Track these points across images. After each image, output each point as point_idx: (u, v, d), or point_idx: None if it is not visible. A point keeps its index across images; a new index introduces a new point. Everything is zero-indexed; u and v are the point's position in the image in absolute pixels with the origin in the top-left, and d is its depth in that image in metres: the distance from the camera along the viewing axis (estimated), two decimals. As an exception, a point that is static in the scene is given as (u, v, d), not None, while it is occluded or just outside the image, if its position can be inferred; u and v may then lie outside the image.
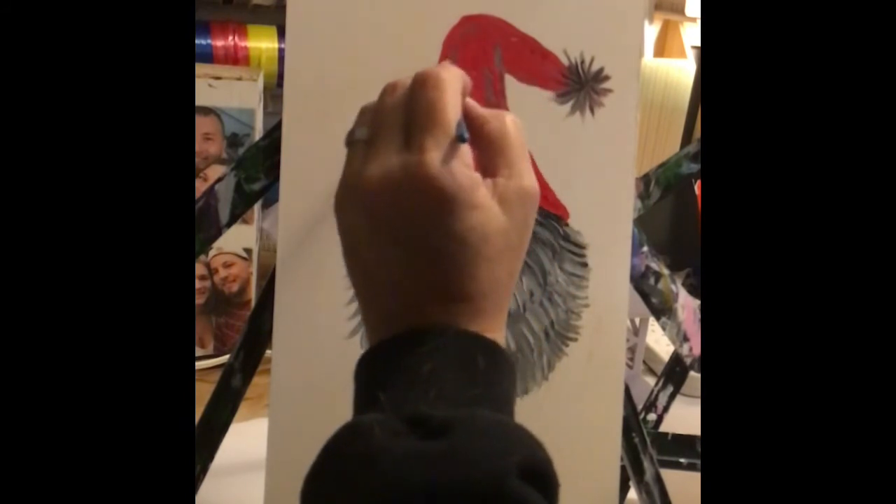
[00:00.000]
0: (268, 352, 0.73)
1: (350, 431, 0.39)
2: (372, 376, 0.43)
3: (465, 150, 0.44)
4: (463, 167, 0.43)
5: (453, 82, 0.45)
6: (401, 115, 0.45)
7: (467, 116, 0.47)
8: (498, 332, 0.45)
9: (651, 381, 1.30)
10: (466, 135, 0.43)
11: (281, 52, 1.94)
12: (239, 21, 1.97)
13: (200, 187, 1.14)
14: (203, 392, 0.71)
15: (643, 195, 0.79)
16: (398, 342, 0.43)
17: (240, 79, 1.49)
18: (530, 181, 0.46)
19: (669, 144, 1.61)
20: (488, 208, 0.43)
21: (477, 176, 0.44)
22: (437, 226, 0.43)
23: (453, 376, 0.41)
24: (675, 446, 0.83)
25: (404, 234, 0.43)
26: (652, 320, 1.16)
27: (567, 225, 0.73)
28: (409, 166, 0.43)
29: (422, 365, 0.41)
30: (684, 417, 0.97)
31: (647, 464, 0.77)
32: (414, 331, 0.43)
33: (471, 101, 0.48)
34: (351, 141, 0.48)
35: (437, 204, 0.43)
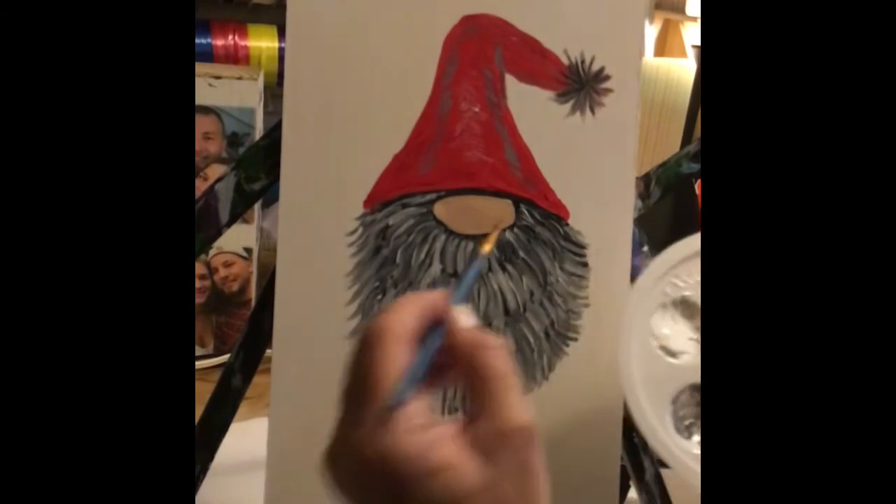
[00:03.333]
0: (268, 351, 0.73)
1: None
2: None
3: (414, 409, 0.39)
4: (405, 434, 0.38)
5: (393, 330, 0.40)
6: (347, 380, 0.41)
7: (447, 347, 0.41)
8: None
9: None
10: (405, 396, 0.39)
11: (281, 51, 1.94)
12: (239, 20, 1.97)
13: (200, 187, 1.14)
14: (203, 392, 0.71)
15: (643, 195, 0.79)
16: None
17: (240, 78, 1.49)
18: (516, 417, 0.39)
19: (669, 144, 1.61)
20: (455, 467, 0.38)
21: (430, 436, 0.38)
22: (396, 499, 0.38)
23: None
24: (676, 446, 0.83)
25: None
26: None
27: (567, 225, 0.73)
28: (342, 444, 0.39)
29: None
30: (684, 417, 0.97)
31: (647, 464, 0.77)
32: None
33: (452, 324, 0.42)
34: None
35: (385, 481, 0.38)
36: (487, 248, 0.50)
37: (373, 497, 0.39)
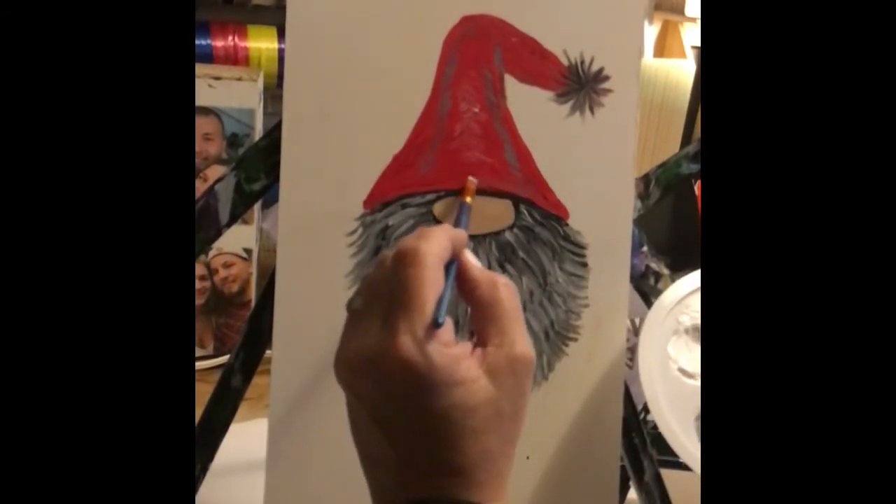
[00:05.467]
0: (268, 352, 0.73)
1: None
2: None
3: (445, 328, 0.44)
4: (439, 346, 0.43)
5: (434, 255, 0.45)
6: (384, 290, 0.45)
7: (459, 279, 0.47)
8: (497, 501, 0.44)
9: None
10: (442, 319, 0.43)
11: (281, 52, 1.94)
12: (239, 21, 1.97)
13: (200, 187, 1.14)
14: (203, 392, 0.71)
15: (643, 195, 0.79)
16: None
17: (240, 79, 1.49)
18: (522, 349, 0.45)
19: (669, 144, 1.61)
20: (472, 382, 0.43)
21: (457, 352, 0.44)
22: (415, 405, 0.43)
23: None
24: (675, 446, 0.83)
25: (384, 412, 0.44)
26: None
27: (567, 225, 0.73)
28: (382, 348, 0.43)
29: None
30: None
31: (647, 464, 0.77)
32: None
33: (467, 261, 0.48)
34: (349, 309, 0.48)
35: (412, 386, 0.43)
36: (468, 198, 0.54)
37: (389, 398, 0.44)
